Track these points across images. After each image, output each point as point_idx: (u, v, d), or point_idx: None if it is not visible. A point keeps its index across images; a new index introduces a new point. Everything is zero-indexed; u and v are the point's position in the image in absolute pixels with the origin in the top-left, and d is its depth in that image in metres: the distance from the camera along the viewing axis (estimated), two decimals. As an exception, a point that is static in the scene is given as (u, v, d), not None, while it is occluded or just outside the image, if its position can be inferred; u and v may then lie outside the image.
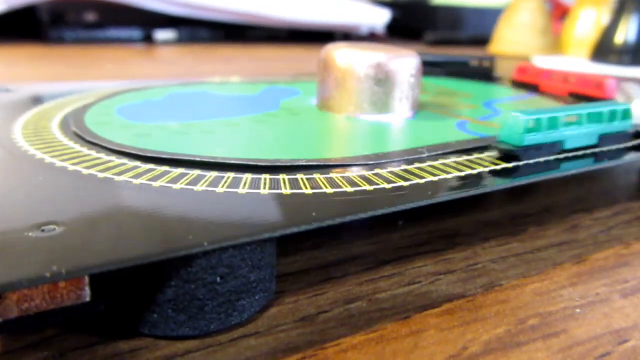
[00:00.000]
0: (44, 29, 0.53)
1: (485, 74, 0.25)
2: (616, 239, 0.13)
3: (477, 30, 0.71)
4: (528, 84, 0.24)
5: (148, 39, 0.57)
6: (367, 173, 0.11)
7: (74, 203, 0.09)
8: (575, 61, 0.52)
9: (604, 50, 0.50)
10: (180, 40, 0.58)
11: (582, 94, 0.22)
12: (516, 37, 0.60)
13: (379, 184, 0.11)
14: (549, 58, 0.54)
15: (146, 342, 0.08)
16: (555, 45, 0.60)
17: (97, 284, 0.08)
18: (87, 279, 0.08)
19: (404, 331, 0.09)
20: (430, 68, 0.24)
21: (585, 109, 0.14)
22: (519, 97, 0.22)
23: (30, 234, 0.08)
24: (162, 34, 0.58)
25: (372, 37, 0.65)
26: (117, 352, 0.08)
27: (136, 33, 0.57)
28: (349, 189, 0.10)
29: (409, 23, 0.71)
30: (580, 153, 0.14)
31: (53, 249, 0.07)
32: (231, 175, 0.11)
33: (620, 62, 0.48)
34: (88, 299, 0.08)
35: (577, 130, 0.13)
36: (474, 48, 0.65)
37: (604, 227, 0.14)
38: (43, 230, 0.08)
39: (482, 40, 0.66)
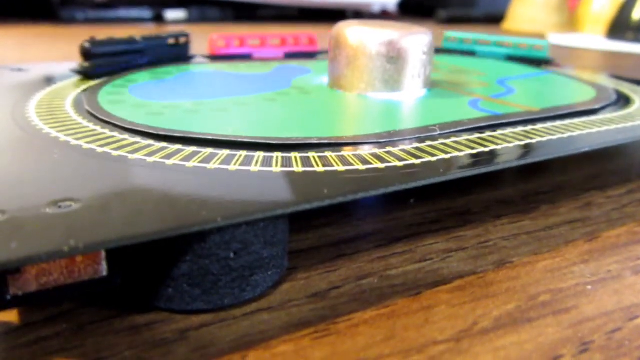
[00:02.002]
0: (55, 9, 0.53)
1: (180, 54, 0.21)
2: (629, 216, 0.13)
3: (490, 7, 0.70)
4: (234, 56, 0.22)
5: (158, 19, 0.57)
6: (378, 151, 0.11)
7: (89, 180, 0.09)
8: (591, 38, 0.51)
9: (620, 27, 0.49)
10: (190, 20, 0.58)
11: (297, 52, 0.23)
12: (531, 14, 0.59)
13: (390, 162, 0.11)
14: (564, 35, 0.53)
15: (162, 315, 0.09)
16: (571, 22, 0.59)
17: (113, 258, 0.08)
18: (103, 254, 0.08)
19: (415, 306, 0.09)
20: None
21: None
22: (534, 74, 0.22)
23: (47, 210, 0.08)
24: (172, 14, 0.57)
25: (383, 15, 0.64)
26: (134, 325, 0.08)
27: (146, 12, 0.57)
28: (361, 167, 0.10)
29: (421, 0, 0.70)
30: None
31: (70, 224, 0.07)
32: (243, 153, 0.11)
33: (637, 39, 0.47)
34: (105, 273, 0.08)
35: None
36: (487, 26, 0.64)
37: (617, 205, 0.14)
38: (60, 207, 0.08)
39: (496, 18, 0.65)
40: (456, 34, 0.27)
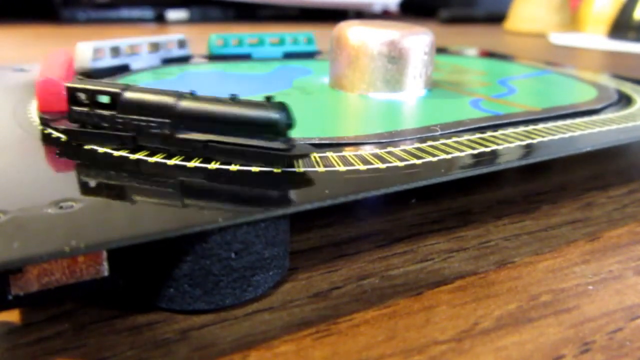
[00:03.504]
0: (57, 9, 0.53)
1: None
2: (630, 216, 0.13)
3: (492, 7, 0.70)
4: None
5: (160, 19, 0.57)
6: (379, 151, 0.11)
7: (90, 180, 0.09)
8: (592, 38, 0.51)
9: (622, 26, 0.49)
10: (191, 20, 0.58)
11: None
12: (532, 14, 0.59)
13: (391, 162, 0.11)
14: (566, 35, 0.53)
15: (163, 315, 0.09)
16: (573, 21, 0.59)
17: (114, 259, 0.08)
18: (105, 254, 0.08)
19: (416, 307, 0.09)
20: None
21: None
22: (535, 74, 0.22)
23: (49, 210, 0.08)
24: (174, 14, 0.57)
25: (385, 15, 0.64)
26: (135, 325, 0.08)
27: (148, 12, 0.57)
28: (362, 167, 0.10)
29: (423, 0, 0.70)
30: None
31: (71, 224, 0.08)
32: (244, 153, 0.11)
33: (638, 39, 0.47)
34: (106, 273, 0.08)
35: None
36: (489, 25, 0.64)
37: (619, 205, 0.14)
38: (61, 207, 0.08)
39: (498, 18, 0.65)
40: (223, 36, 0.22)
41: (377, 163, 0.11)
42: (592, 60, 0.40)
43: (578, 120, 0.15)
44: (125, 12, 0.55)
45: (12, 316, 0.08)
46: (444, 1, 0.69)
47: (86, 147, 0.11)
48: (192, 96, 0.10)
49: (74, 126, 0.11)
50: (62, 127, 0.11)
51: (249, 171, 0.10)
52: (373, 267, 0.10)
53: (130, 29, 0.48)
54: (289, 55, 0.23)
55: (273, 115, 0.10)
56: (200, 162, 0.10)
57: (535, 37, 0.54)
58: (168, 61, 0.21)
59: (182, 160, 0.10)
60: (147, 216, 0.08)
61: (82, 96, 0.10)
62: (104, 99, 0.10)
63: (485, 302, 0.09)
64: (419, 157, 0.11)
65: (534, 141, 0.12)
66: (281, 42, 0.23)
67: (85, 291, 0.08)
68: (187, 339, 0.08)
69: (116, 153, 0.11)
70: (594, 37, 0.51)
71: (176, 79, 0.18)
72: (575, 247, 0.11)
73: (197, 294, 0.09)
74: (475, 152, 0.12)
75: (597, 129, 0.14)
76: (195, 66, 0.20)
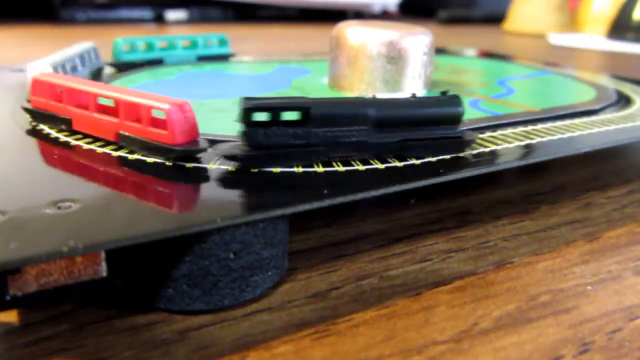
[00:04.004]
0: (56, 10, 0.53)
1: None
2: (630, 217, 0.13)
3: (491, 7, 0.70)
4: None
5: (159, 19, 0.57)
6: (378, 151, 0.11)
7: (88, 180, 0.09)
8: (591, 38, 0.51)
9: (621, 27, 0.49)
10: (190, 20, 0.58)
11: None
12: (531, 14, 0.59)
13: (390, 162, 0.11)
14: (565, 35, 0.53)
15: (162, 316, 0.09)
16: (572, 22, 0.59)
17: (113, 259, 0.08)
18: (103, 255, 0.08)
19: (415, 307, 0.09)
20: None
21: None
22: (534, 75, 0.22)
23: (47, 211, 0.08)
24: (173, 14, 0.57)
25: (384, 15, 0.64)
26: (134, 326, 0.08)
27: (147, 13, 0.57)
28: (361, 167, 0.10)
29: (422, 1, 0.70)
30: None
31: (69, 225, 0.07)
32: (243, 153, 0.11)
33: (637, 40, 0.47)
34: (104, 274, 0.08)
35: None
36: (488, 26, 0.64)
37: (618, 205, 0.14)
38: (59, 207, 0.08)
39: (497, 18, 0.65)
40: (130, 41, 0.20)
41: (376, 163, 0.11)
42: (591, 60, 0.40)
43: (577, 120, 0.15)
44: (124, 13, 0.55)
45: (11, 317, 0.08)
46: (443, 2, 0.69)
47: (85, 147, 0.11)
48: (377, 100, 0.10)
49: (245, 150, 0.10)
50: (238, 153, 0.10)
51: (248, 171, 0.10)
52: (372, 267, 0.10)
53: (129, 30, 0.48)
54: (203, 59, 0.21)
55: (457, 108, 0.11)
56: (199, 162, 0.10)
57: (534, 37, 0.55)
58: (94, 75, 0.18)
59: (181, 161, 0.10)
60: (145, 216, 0.08)
61: (263, 116, 0.10)
62: (291, 116, 0.10)
63: (484, 303, 0.09)
64: (418, 158, 0.11)
65: (533, 141, 0.12)
66: (193, 45, 0.22)
67: (83, 292, 0.08)
68: (186, 339, 0.08)
69: (114, 153, 0.10)
70: (593, 38, 0.51)
71: (175, 79, 0.18)
72: (575, 248, 0.11)
73: (196, 294, 0.09)
74: (474, 152, 0.12)
75: (596, 130, 0.14)
76: (193, 66, 0.20)
